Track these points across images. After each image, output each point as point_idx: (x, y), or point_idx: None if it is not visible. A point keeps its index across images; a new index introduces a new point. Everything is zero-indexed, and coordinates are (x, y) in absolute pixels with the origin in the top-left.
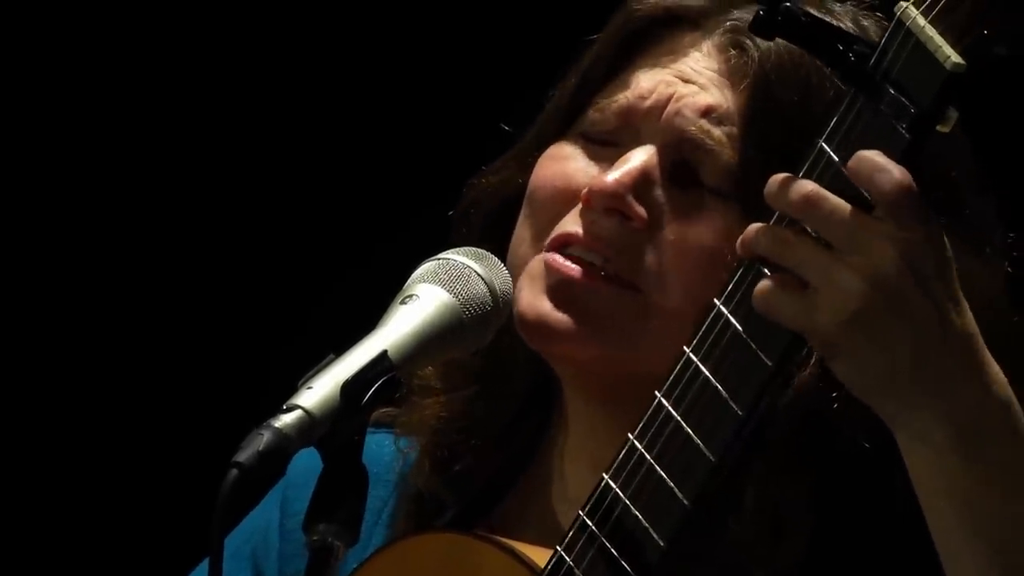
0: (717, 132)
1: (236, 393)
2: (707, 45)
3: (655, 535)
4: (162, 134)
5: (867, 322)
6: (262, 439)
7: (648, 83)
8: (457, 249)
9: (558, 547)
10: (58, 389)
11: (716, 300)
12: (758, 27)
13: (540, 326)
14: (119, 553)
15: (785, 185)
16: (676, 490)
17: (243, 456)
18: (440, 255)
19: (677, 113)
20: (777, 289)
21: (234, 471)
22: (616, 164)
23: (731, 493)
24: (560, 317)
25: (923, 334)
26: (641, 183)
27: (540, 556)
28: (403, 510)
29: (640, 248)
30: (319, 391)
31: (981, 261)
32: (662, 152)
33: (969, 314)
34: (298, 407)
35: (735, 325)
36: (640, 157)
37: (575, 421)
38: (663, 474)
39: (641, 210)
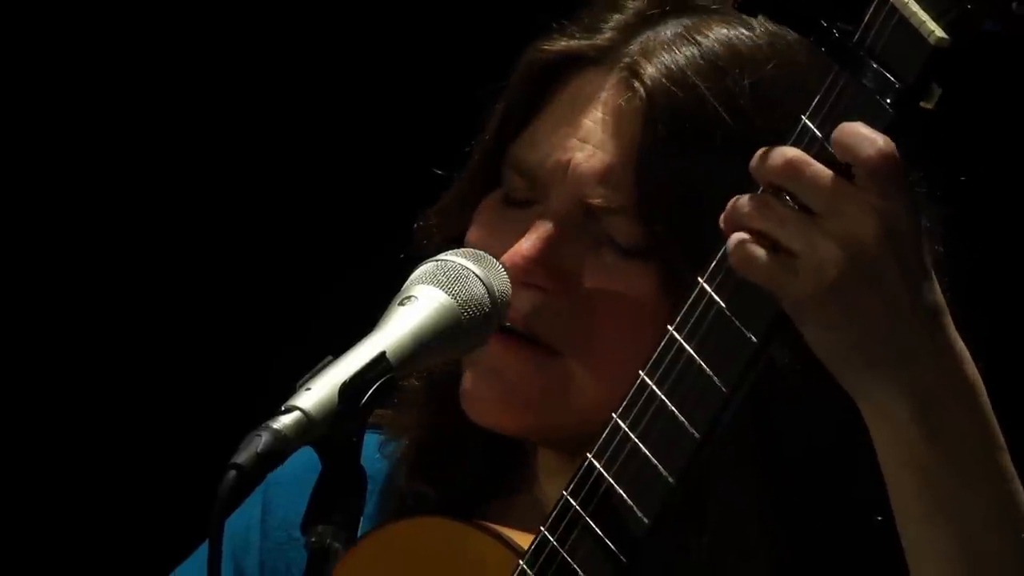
0: (615, 195)
1: (234, 395)
2: (610, 82)
3: (639, 512)
4: (163, 136)
5: (842, 291)
6: (260, 440)
7: (545, 147)
8: (455, 251)
9: (542, 527)
10: (58, 390)
11: (700, 278)
12: (743, 6)
13: (470, 402)
14: (118, 553)
15: (767, 153)
16: (660, 468)
17: (241, 457)
18: (438, 256)
19: (576, 181)
20: (755, 247)
21: (232, 472)
22: (527, 234)
23: (694, 513)
24: (487, 393)
25: (894, 305)
26: (548, 252)
27: (524, 540)
28: (386, 510)
29: (559, 314)
30: (317, 392)
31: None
32: (570, 215)
33: (938, 288)
34: (296, 408)
35: (719, 302)
36: (545, 226)
37: (544, 455)
38: (647, 452)
39: (552, 281)
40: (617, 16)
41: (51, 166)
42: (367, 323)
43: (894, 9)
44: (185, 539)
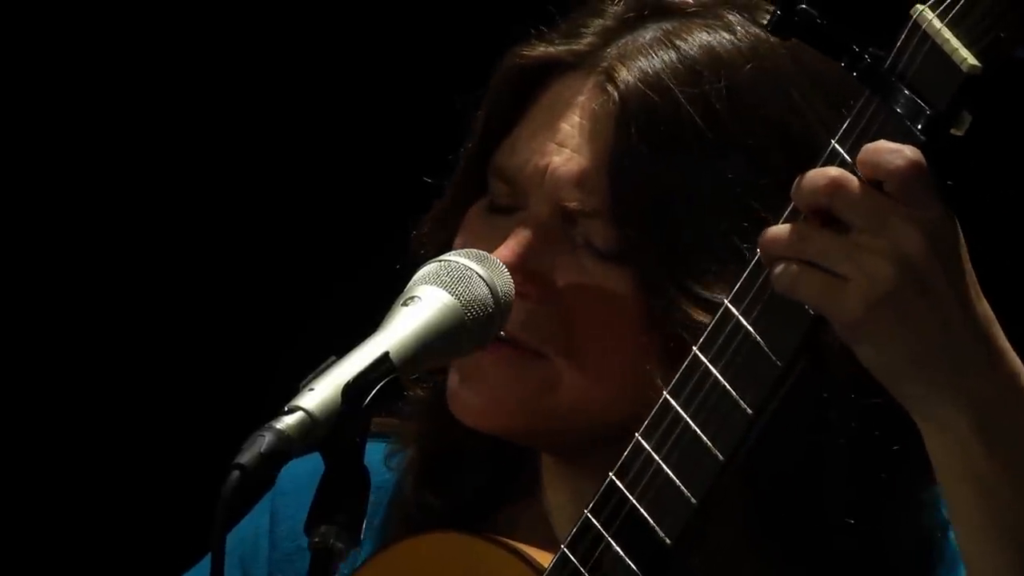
0: (590, 199)
1: (238, 395)
2: (587, 87)
3: (662, 533)
4: (165, 136)
5: (894, 306)
6: (263, 441)
7: (525, 152)
8: (459, 251)
9: (563, 546)
10: (60, 391)
11: (726, 300)
12: (775, 28)
13: (456, 404)
14: (121, 554)
15: (806, 177)
16: (684, 488)
17: (244, 458)
18: (442, 256)
19: (553, 186)
20: (802, 272)
21: (235, 473)
22: (506, 241)
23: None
24: (473, 399)
25: (946, 315)
26: (526, 258)
27: (542, 558)
28: (393, 520)
29: (539, 318)
30: (320, 393)
31: None
32: (549, 219)
33: (983, 298)
34: (299, 409)
35: (745, 326)
36: (523, 233)
37: (547, 462)
38: (670, 473)
39: (531, 286)
40: (598, 21)
41: (52, 167)
42: (370, 323)
43: (926, 36)
44: (190, 541)
